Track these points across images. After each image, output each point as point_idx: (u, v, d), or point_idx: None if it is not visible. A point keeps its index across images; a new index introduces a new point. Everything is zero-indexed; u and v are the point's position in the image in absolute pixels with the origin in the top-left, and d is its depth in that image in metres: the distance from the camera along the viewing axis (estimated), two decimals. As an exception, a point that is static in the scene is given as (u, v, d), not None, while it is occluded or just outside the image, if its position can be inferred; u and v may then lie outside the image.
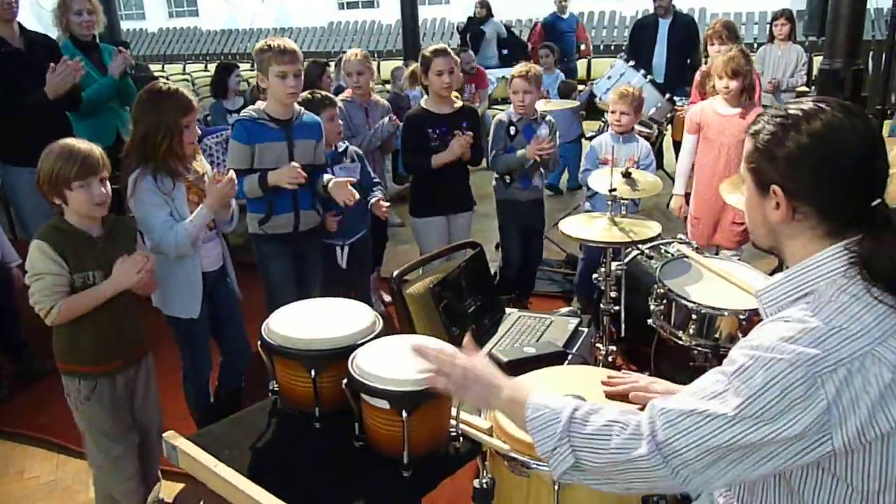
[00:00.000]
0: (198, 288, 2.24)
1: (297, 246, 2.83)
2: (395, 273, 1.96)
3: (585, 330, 2.29)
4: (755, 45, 8.03)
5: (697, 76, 3.86)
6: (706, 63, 3.82)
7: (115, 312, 1.81)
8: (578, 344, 2.19)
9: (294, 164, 2.55)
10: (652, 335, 2.50)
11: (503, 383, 1.07)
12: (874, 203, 0.92)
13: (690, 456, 0.88)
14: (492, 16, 7.63)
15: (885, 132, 5.41)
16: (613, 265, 2.68)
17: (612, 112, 3.30)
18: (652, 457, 0.90)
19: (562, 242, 4.89)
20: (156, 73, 7.25)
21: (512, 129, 3.41)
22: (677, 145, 3.84)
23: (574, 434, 0.97)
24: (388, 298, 4.07)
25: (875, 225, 0.91)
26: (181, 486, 2.13)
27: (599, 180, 2.87)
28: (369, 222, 3.25)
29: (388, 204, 2.92)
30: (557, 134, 3.54)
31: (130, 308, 1.86)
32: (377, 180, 3.17)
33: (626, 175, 2.83)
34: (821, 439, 0.86)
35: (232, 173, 2.21)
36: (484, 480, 1.32)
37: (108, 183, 1.76)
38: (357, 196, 2.78)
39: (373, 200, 2.96)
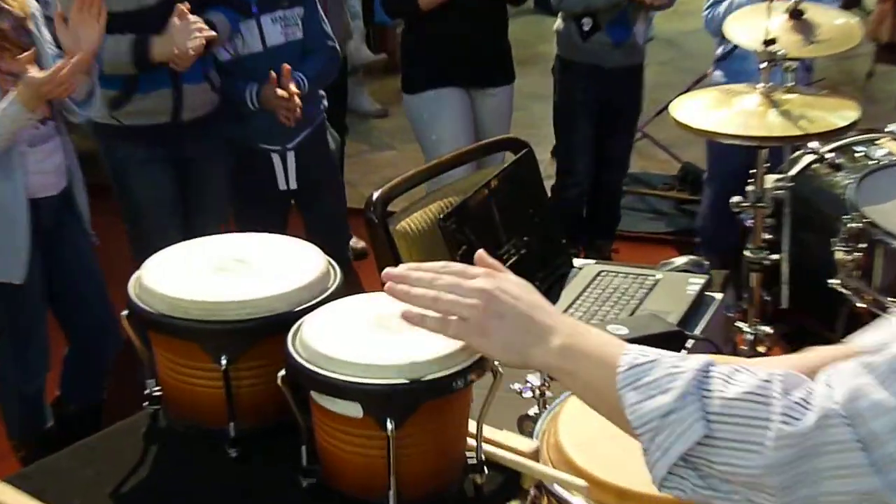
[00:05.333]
0: (20, 231, 2.24)
1: (178, 148, 2.90)
2: (375, 196, 1.99)
3: (718, 297, 2.32)
4: None
5: None
6: None
7: None
8: (706, 320, 2.21)
9: (192, 19, 2.64)
10: (839, 306, 2.51)
11: (556, 322, 1.12)
12: None
13: None
14: None
15: None
16: (769, 181, 2.68)
17: None
18: (856, 453, 0.95)
19: (673, 143, 4.95)
20: None
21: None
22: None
23: (709, 392, 1.02)
24: (358, 245, 4.17)
25: None
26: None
27: (743, 25, 2.86)
28: (323, 109, 3.32)
29: None
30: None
31: None
32: (332, 42, 3.23)
33: (795, 15, 2.79)
34: None
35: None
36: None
37: None
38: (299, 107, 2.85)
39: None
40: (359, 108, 5.60)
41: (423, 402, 1.22)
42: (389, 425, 1.20)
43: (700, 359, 1.05)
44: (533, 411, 1.72)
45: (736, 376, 1.03)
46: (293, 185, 3.20)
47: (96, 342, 2.64)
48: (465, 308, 1.12)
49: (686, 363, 1.04)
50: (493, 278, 1.14)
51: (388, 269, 1.18)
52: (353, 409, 1.22)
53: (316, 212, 3.34)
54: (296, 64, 3.05)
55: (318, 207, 3.33)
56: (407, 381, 1.21)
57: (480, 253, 1.19)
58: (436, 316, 1.14)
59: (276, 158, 3.17)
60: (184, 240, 1.54)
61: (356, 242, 4.16)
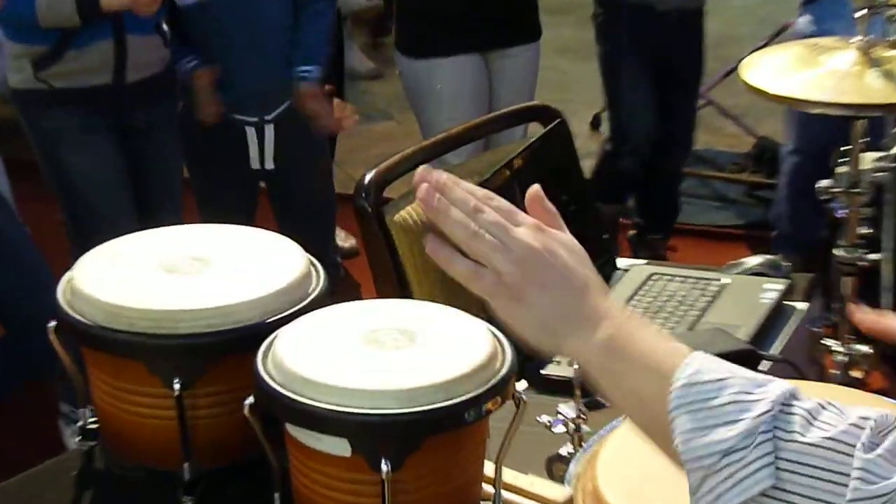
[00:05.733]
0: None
1: (123, 115, 2.95)
2: (367, 178, 1.99)
3: (801, 307, 2.32)
4: None
5: None
6: None
7: None
8: (785, 337, 2.22)
9: None
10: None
11: (607, 308, 1.11)
12: None
13: None
14: None
15: None
16: (867, 160, 2.68)
17: None
18: None
19: (744, 112, 4.90)
20: None
21: None
22: None
23: (787, 432, 1.01)
24: (347, 242, 4.16)
25: None
26: None
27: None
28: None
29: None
30: None
31: None
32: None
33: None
34: None
35: None
36: None
37: None
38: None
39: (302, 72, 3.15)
40: (347, 67, 5.61)
41: (427, 437, 1.22)
42: (384, 466, 1.20)
43: (782, 385, 1.04)
44: (566, 450, 1.72)
45: (822, 415, 1.02)
46: (269, 165, 3.21)
47: (28, 345, 2.64)
48: (505, 262, 1.10)
49: (763, 389, 1.03)
50: (543, 234, 1.13)
51: (423, 168, 1.15)
52: (340, 447, 1.22)
53: (294, 200, 3.35)
54: (282, 18, 3.06)
55: (298, 194, 3.34)
56: (406, 412, 1.20)
57: (536, 190, 1.16)
58: (467, 262, 1.11)
59: (250, 132, 3.19)
60: (131, 231, 1.55)
61: (345, 239, 4.17)
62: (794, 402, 1.03)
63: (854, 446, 1.00)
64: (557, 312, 1.11)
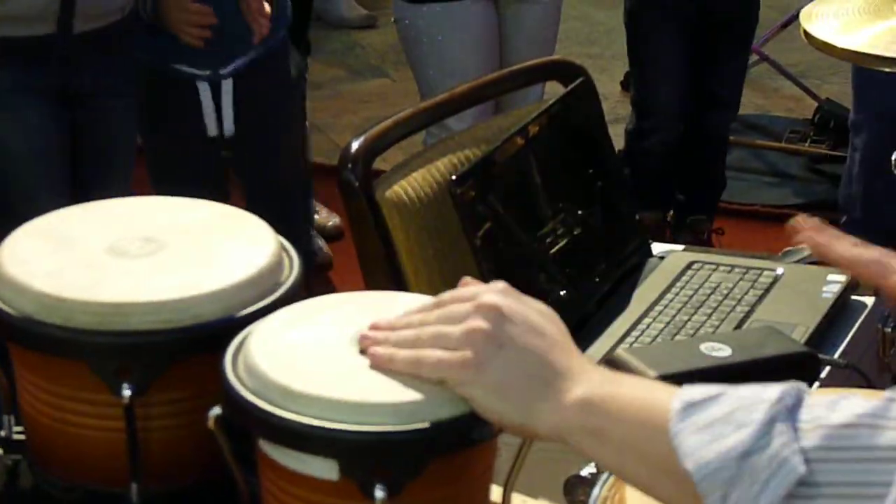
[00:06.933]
0: None
1: (67, 74, 2.93)
2: (354, 146, 2.01)
3: (868, 302, 2.36)
4: None
5: None
6: None
7: None
8: (850, 337, 2.24)
9: None
10: None
11: (579, 367, 1.16)
12: None
13: None
14: None
15: None
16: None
17: None
18: None
19: (805, 71, 4.90)
20: None
21: None
22: None
23: (804, 420, 1.04)
24: (329, 221, 4.15)
25: None
26: None
27: None
28: (286, 21, 3.39)
29: None
30: None
31: None
32: None
33: None
34: None
35: None
36: None
37: None
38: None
39: None
40: (332, 13, 5.61)
41: (429, 459, 1.22)
42: (379, 493, 1.19)
43: (788, 383, 1.07)
44: (587, 471, 1.73)
45: (842, 402, 1.05)
46: (228, 130, 3.20)
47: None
48: (457, 335, 1.17)
49: (765, 392, 1.07)
50: (504, 294, 1.19)
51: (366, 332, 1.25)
52: (325, 469, 1.22)
53: (260, 173, 3.34)
54: None
55: (265, 167, 3.34)
56: (405, 429, 1.20)
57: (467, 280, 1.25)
58: (409, 352, 1.19)
59: (203, 89, 3.18)
60: (76, 203, 1.55)
61: (327, 217, 4.17)
62: (804, 394, 1.07)
63: (890, 418, 1.02)
64: (519, 377, 1.16)
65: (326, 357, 1.28)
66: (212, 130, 3.21)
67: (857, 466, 1.01)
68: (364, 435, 1.19)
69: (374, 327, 1.25)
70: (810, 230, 1.75)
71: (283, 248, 1.49)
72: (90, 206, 1.55)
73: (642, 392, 1.14)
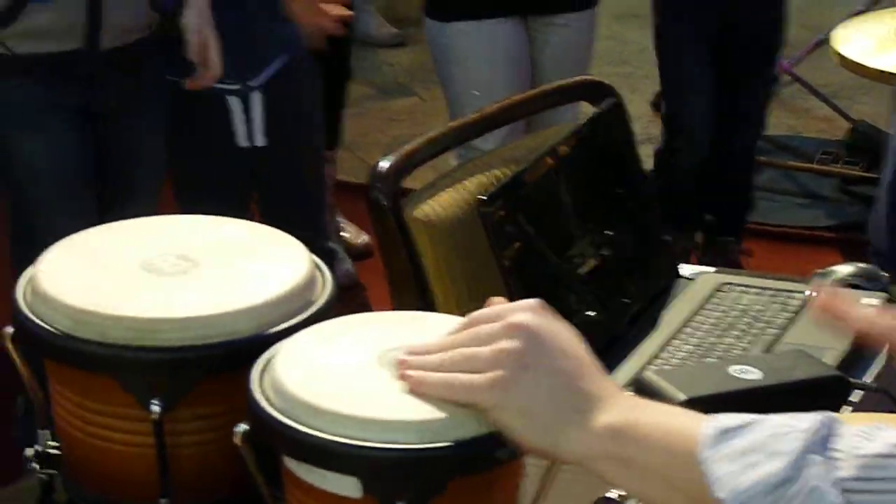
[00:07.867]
0: None
1: (92, 92, 2.92)
2: (384, 165, 2.00)
3: None
4: None
5: None
6: None
7: None
8: (882, 361, 2.18)
9: None
10: None
11: (607, 392, 1.16)
12: None
13: None
14: None
15: None
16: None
17: None
18: None
19: (837, 91, 4.84)
20: None
21: None
22: None
23: (838, 450, 1.03)
24: (358, 239, 4.15)
25: None
26: None
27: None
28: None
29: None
30: None
31: None
32: None
33: None
34: None
35: None
36: None
37: None
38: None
39: None
40: (362, 32, 5.62)
41: (453, 478, 1.22)
42: (403, 512, 1.20)
43: (815, 415, 1.06)
44: (616, 493, 1.72)
45: (876, 432, 1.04)
46: (259, 141, 3.20)
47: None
48: (486, 356, 1.16)
49: (799, 421, 1.06)
50: (534, 313, 1.19)
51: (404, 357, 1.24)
52: (349, 486, 1.22)
53: (281, 185, 3.33)
54: None
55: (287, 178, 3.34)
56: (429, 447, 1.20)
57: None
58: (440, 376, 1.19)
59: (233, 103, 3.19)
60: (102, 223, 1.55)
61: (356, 234, 4.17)
62: (837, 424, 1.05)
63: None
64: (546, 402, 1.15)
65: (351, 376, 1.28)
66: (242, 141, 3.21)
67: (894, 497, 1.01)
68: (386, 452, 1.20)
69: (410, 352, 1.24)
70: (826, 298, 1.63)
71: (317, 267, 1.49)
72: (125, 224, 1.56)
73: (668, 418, 1.14)
